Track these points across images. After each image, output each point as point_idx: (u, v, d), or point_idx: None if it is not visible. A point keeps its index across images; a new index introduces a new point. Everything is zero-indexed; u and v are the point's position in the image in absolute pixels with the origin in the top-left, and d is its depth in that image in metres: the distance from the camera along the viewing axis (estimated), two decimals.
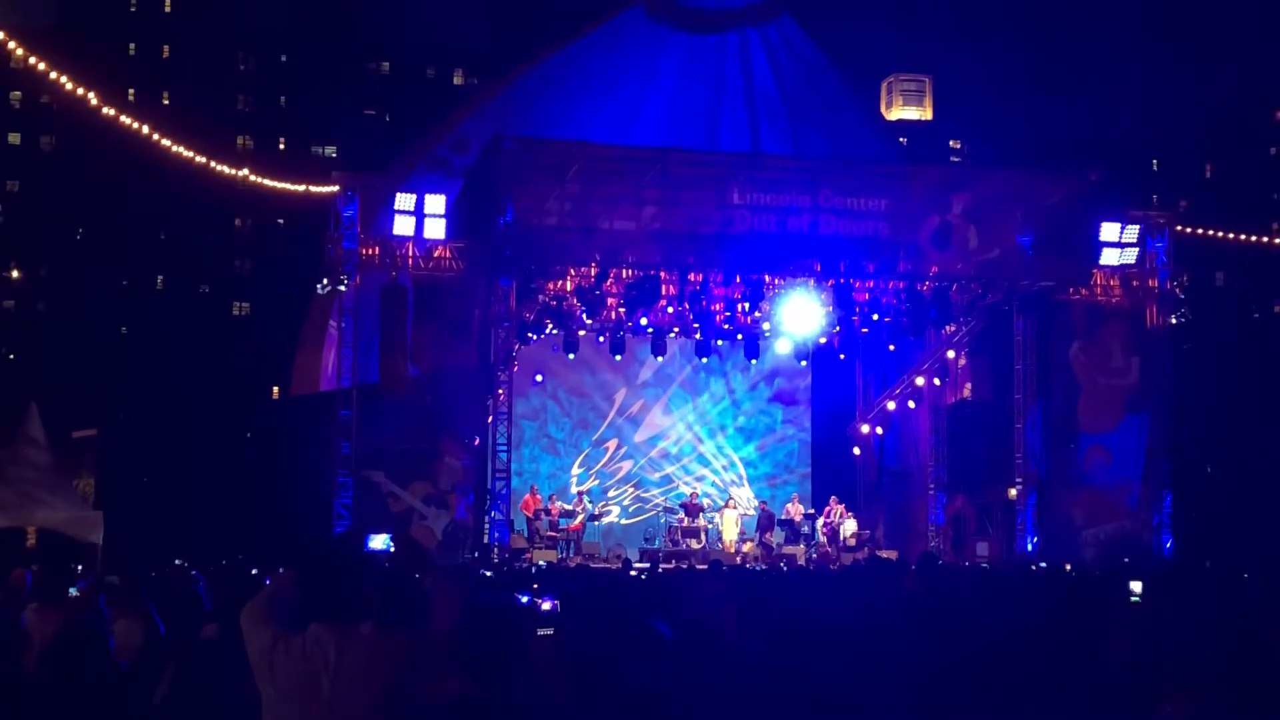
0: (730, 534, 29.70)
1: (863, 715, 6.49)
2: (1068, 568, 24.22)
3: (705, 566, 25.80)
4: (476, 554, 25.87)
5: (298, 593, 5.46)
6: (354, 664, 5.36)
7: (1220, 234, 33.13)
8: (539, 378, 31.64)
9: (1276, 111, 64.98)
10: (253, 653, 5.46)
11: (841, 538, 29.83)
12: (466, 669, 5.38)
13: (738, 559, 28.40)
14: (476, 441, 26.86)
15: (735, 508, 30.26)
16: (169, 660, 7.46)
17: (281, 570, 5.96)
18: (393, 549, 21.84)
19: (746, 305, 29.13)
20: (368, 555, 19.96)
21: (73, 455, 26.57)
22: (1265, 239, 34.12)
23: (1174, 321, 29.39)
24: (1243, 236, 33.96)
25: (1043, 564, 27.40)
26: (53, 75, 22.76)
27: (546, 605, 6.65)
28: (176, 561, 25.74)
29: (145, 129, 25.26)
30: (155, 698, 7.06)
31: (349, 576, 5.48)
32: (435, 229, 26.12)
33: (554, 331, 29.23)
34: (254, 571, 19.75)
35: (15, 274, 59.33)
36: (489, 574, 20.27)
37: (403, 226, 26.07)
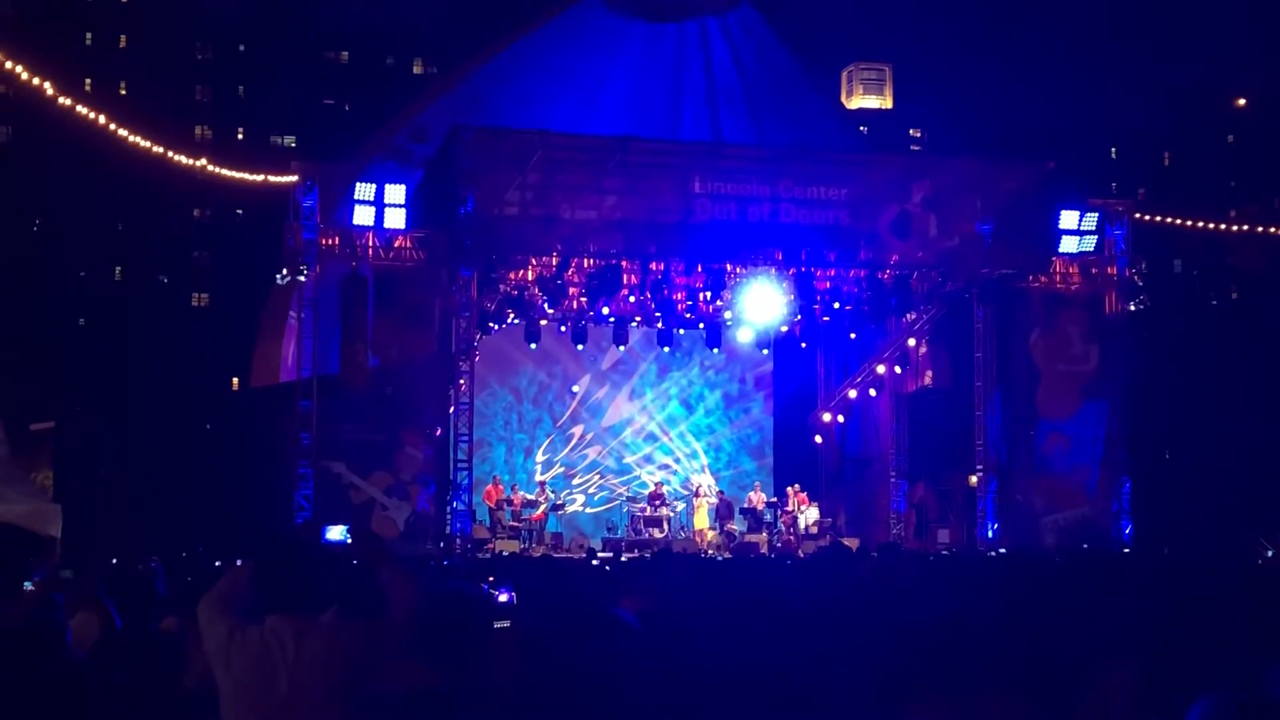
0: (701, 523, 29.78)
1: (825, 701, 6.51)
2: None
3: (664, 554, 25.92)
4: (441, 544, 25.84)
5: (254, 584, 5.44)
6: (312, 655, 5.34)
7: (1179, 221, 33.33)
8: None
9: (1234, 99, 65.43)
10: (210, 644, 5.44)
11: (803, 526, 29.92)
12: (425, 660, 5.37)
13: (705, 548, 28.48)
14: (438, 432, 26.81)
15: (703, 496, 30.33)
16: (126, 653, 7.42)
17: (239, 562, 5.94)
18: (350, 540, 21.80)
19: (708, 294, 29.18)
20: (324, 546, 19.90)
21: (30, 448, 26.34)
22: (1223, 226, 34.37)
23: (1132, 309, 29.57)
24: (1201, 224, 34.18)
25: (1002, 550, 27.62)
26: (8, 65, 22.52)
27: (503, 598, 6.63)
28: (135, 553, 25.58)
29: (102, 119, 25.03)
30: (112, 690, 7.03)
31: (306, 568, 5.47)
32: (395, 219, 26.04)
33: (515, 321, 29.20)
34: (216, 564, 19.66)
35: None
36: (447, 563, 20.25)
37: (363, 216, 25.98)
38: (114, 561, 20.94)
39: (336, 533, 23.15)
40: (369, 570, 5.56)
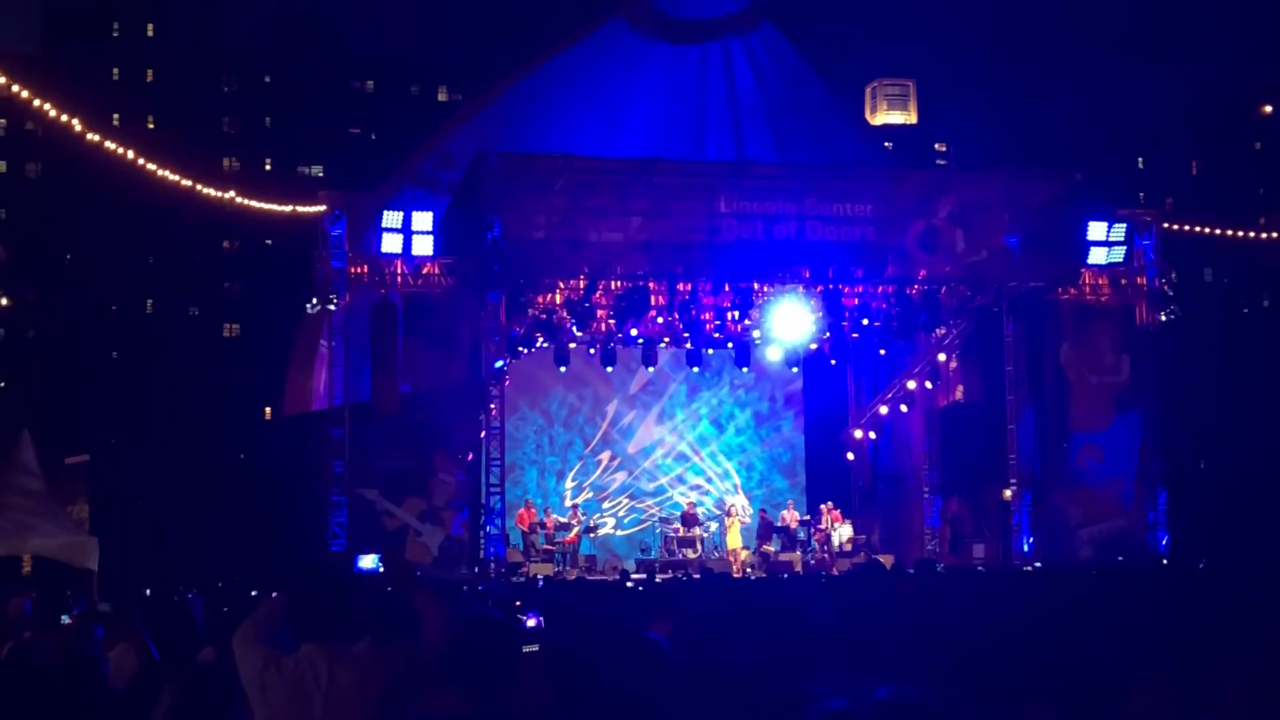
0: (734, 543, 29.71)
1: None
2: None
3: (699, 576, 25.95)
4: (476, 569, 25.87)
5: (288, 614, 5.48)
6: (346, 683, 5.38)
7: (1208, 230, 33.17)
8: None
9: (1261, 106, 65.18)
10: (245, 675, 5.48)
11: (837, 543, 29.83)
12: (457, 686, 5.39)
13: (736, 568, 28.42)
14: (470, 457, 26.85)
15: (735, 515, 30.27)
16: (164, 685, 7.46)
17: (274, 593, 5.98)
18: (381, 569, 21.87)
19: (736, 313, 29.17)
20: (357, 575, 19.96)
21: (66, 481, 26.55)
22: (1252, 234, 34.13)
23: (1163, 319, 29.41)
24: (1230, 232, 33.99)
25: (1038, 564, 27.47)
26: (36, 103, 22.76)
27: (531, 622, 6.64)
28: (172, 584, 25.73)
29: (130, 154, 25.24)
30: None
31: (338, 597, 5.50)
32: (423, 245, 26.15)
33: (545, 344, 29.23)
34: (252, 593, 19.74)
35: (4, 301, 59.26)
36: (481, 588, 20.27)
37: (391, 244, 26.10)
38: (151, 592, 21.06)
39: (368, 561, 23.21)
40: (401, 598, 5.60)
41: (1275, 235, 34.12)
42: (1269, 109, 64.90)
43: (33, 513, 20.25)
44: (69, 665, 7.31)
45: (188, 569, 29.25)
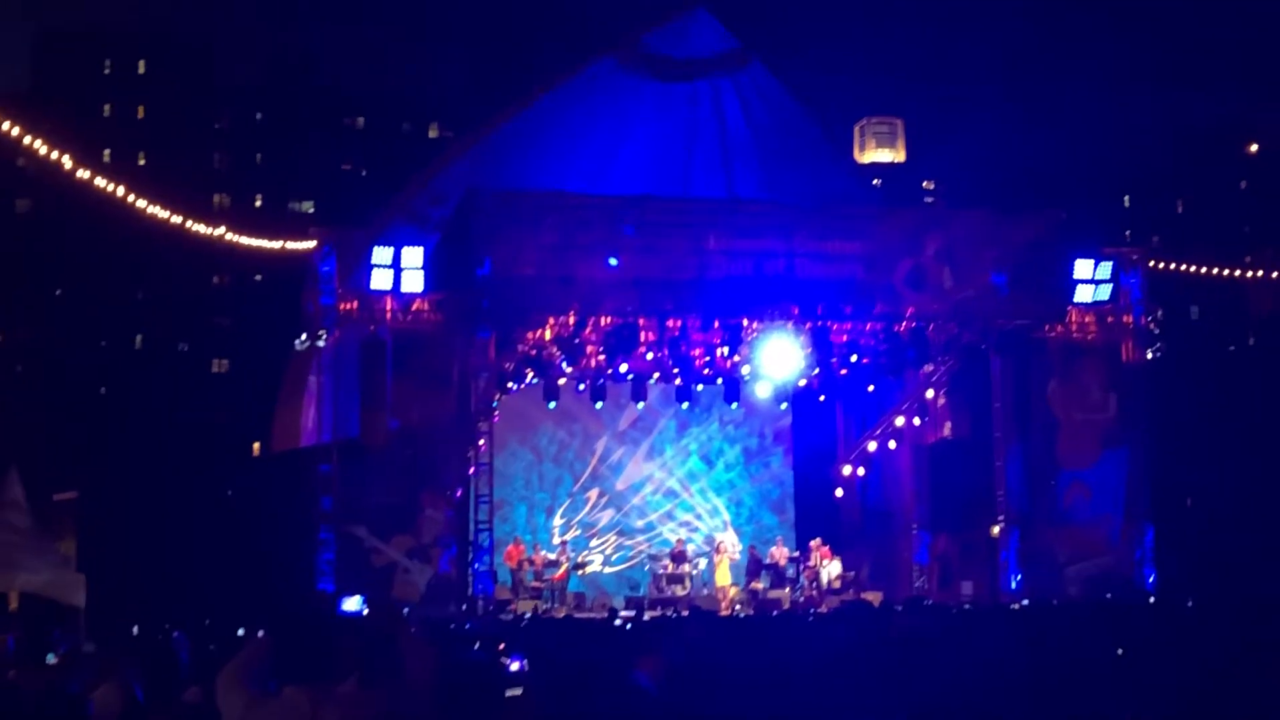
0: (723, 580, 29.66)
1: None
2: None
3: (688, 613, 25.90)
4: (464, 606, 25.80)
5: (272, 656, 5.49)
6: None
7: (1194, 268, 33.29)
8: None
9: (1246, 144, 65.53)
10: (228, 717, 5.48)
11: (826, 580, 29.79)
12: None
13: (724, 606, 28.38)
14: (458, 493, 26.83)
15: (725, 552, 30.23)
16: None
17: (259, 633, 5.98)
18: (366, 610, 21.80)
19: (725, 350, 29.23)
20: (341, 616, 19.90)
21: (53, 518, 26.48)
22: (1238, 272, 34.27)
23: (1150, 356, 29.53)
24: (1216, 270, 34.14)
25: (1025, 601, 27.46)
26: (27, 139, 22.77)
27: (515, 665, 6.64)
28: (159, 622, 25.63)
29: (121, 190, 25.26)
30: None
31: (322, 638, 5.51)
32: (413, 282, 26.21)
33: (534, 380, 29.25)
34: (239, 632, 19.68)
35: None
36: (469, 626, 20.24)
37: (381, 280, 26.16)
38: (136, 631, 20.98)
39: (353, 603, 23.15)
40: (386, 639, 5.61)
41: (1261, 273, 34.27)
42: (1255, 147, 65.25)
43: (19, 548, 20.20)
44: (52, 705, 7.29)
45: (175, 606, 29.12)
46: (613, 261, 26.83)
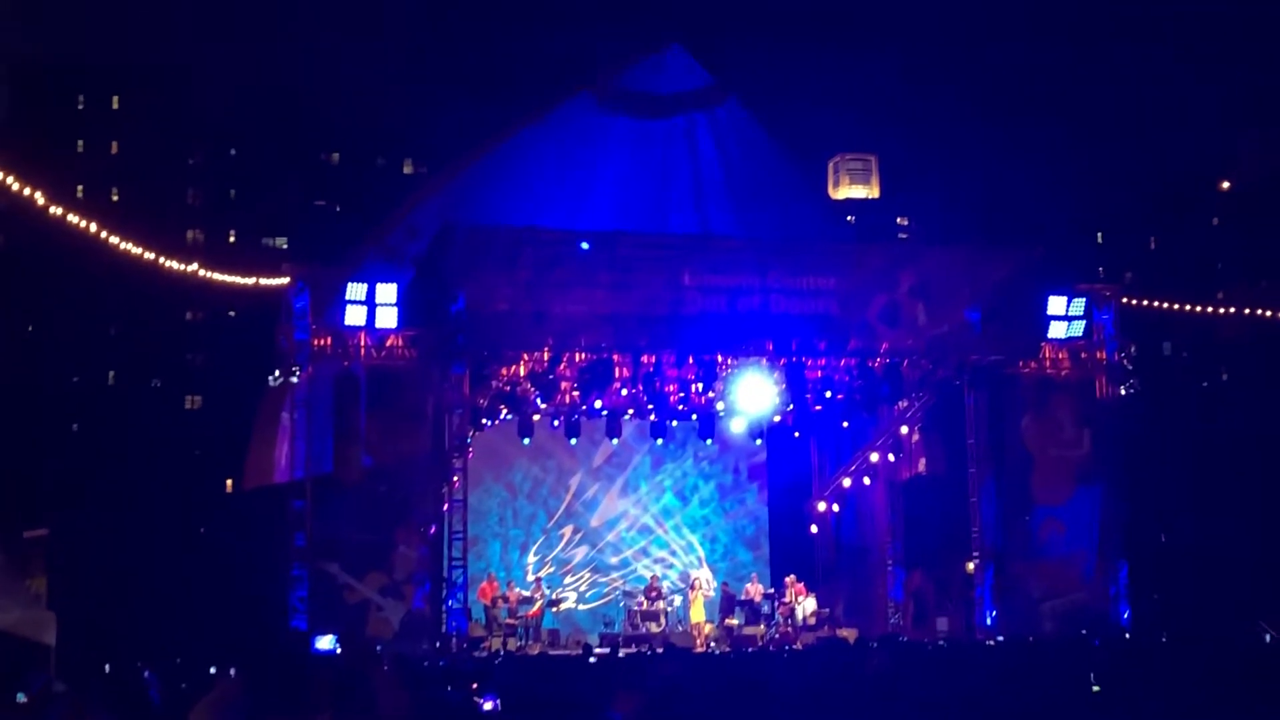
0: (698, 616, 29.59)
1: None
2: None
3: (662, 650, 25.83)
4: (438, 643, 25.65)
5: (244, 694, 5.44)
6: None
7: (1167, 305, 33.48)
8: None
9: (1219, 182, 65.99)
10: None
11: (801, 617, 29.74)
12: None
13: (699, 642, 28.31)
14: (432, 530, 26.72)
15: (700, 589, 30.17)
16: None
17: (231, 672, 5.93)
18: (339, 649, 21.66)
19: (700, 386, 29.25)
20: (314, 655, 19.77)
21: (23, 555, 26.23)
22: (1211, 309, 34.50)
23: (1123, 392, 29.65)
24: (1189, 306, 34.34)
25: (1000, 638, 27.46)
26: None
27: (488, 705, 6.60)
28: (131, 660, 25.39)
29: (94, 226, 25.14)
30: None
31: (295, 677, 5.46)
32: (387, 318, 26.16)
33: (509, 417, 29.20)
34: (211, 670, 19.50)
35: None
36: (443, 663, 20.12)
37: (354, 316, 26.10)
38: (108, 669, 20.77)
39: (326, 642, 22.98)
40: (359, 677, 5.57)
41: (1233, 310, 34.49)
42: (1227, 185, 65.70)
43: None
44: None
45: (147, 644, 28.87)
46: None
